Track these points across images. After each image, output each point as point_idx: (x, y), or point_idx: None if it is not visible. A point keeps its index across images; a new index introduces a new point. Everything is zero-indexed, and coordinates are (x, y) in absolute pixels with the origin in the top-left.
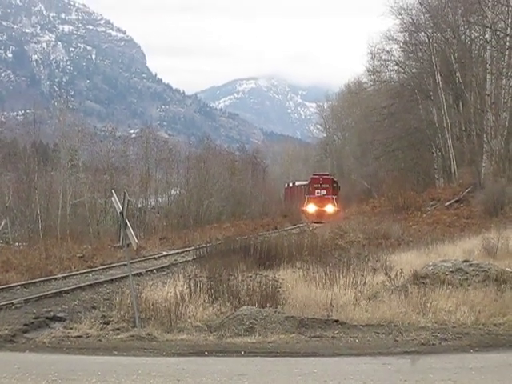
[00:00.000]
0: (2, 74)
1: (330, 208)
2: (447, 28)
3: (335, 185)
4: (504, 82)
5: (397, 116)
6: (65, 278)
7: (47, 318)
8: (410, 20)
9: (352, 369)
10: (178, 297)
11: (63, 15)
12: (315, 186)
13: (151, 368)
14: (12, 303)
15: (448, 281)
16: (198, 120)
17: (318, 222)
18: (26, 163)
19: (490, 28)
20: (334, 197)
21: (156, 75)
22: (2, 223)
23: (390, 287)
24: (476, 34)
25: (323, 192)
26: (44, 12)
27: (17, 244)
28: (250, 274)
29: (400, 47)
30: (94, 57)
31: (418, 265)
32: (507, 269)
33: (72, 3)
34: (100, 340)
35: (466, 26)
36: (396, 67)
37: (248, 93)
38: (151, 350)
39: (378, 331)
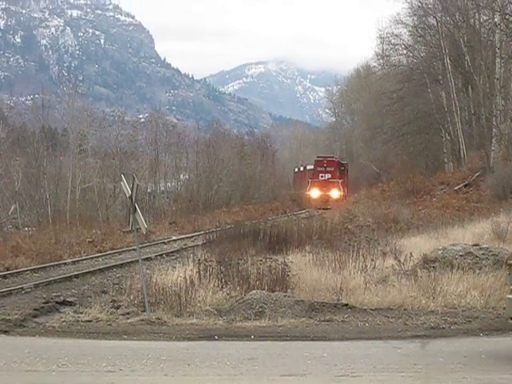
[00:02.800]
0: (11, 59)
1: (335, 193)
2: (456, 12)
3: (342, 168)
4: None
5: (406, 100)
6: (74, 262)
7: (57, 302)
8: (419, 4)
9: (362, 353)
10: (188, 281)
11: (71, 0)
12: (319, 169)
13: (161, 352)
14: (22, 288)
15: (458, 265)
16: (207, 104)
17: (322, 209)
18: (35, 148)
19: (499, 12)
20: (340, 181)
21: (165, 60)
22: (12, 208)
23: (400, 271)
24: (485, 18)
25: (328, 175)
26: None
27: (26, 229)
28: (259, 258)
29: (409, 31)
30: (102, 42)
31: (427, 249)
32: None
33: None
34: (110, 324)
35: (475, 10)
36: (405, 51)
37: (257, 77)
38: (161, 335)
39: (388, 315)
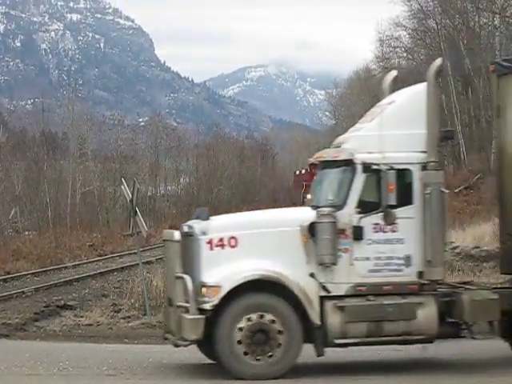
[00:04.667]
0: (11, 63)
1: None
2: (456, 14)
3: None
4: None
5: None
6: (75, 266)
7: (58, 306)
8: (419, 7)
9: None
10: None
11: (71, 4)
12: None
13: (162, 355)
14: (23, 292)
15: (458, 267)
16: (207, 108)
17: None
18: (35, 152)
19: (499, 14)
20: None
21: (165, 63)
22: (12, 212)
23: None
24: (485, 21)
25: None
26: (52, 1)
27: (27, 233)
28: None
29: (408, 34)
30: (102, 45)
31: None
32: None
33: None
34: (111, 328)
35: (474, 13)
36: (405, 54)
37: (257, 80)
38: (162, 338)
39: None
